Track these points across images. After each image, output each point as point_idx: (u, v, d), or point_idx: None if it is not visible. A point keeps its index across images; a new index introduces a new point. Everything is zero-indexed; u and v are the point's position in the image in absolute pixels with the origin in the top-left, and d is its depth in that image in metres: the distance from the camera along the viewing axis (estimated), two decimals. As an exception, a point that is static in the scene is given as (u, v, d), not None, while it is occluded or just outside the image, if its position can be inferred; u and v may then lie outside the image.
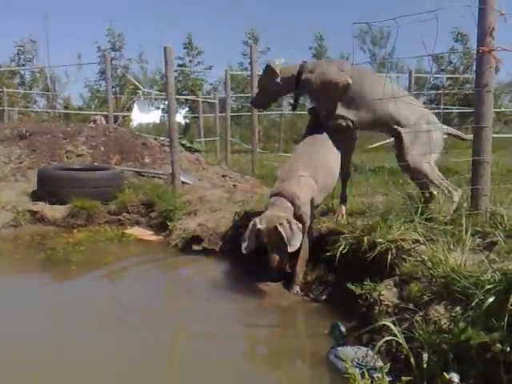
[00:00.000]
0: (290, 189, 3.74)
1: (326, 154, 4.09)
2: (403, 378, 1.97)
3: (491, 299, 1.98)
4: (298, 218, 3.70)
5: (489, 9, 3.10)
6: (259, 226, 3.58)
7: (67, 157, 7.95)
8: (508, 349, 1.84)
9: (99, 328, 3.12)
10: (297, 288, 3.75)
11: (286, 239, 3.50)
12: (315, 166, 3.92)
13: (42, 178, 6.48)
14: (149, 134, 13.59)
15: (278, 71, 4.14)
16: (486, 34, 3.14)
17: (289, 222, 3.55)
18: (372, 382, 2.00)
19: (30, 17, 41.51)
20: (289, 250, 3.56)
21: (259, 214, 4.74)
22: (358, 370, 2.34)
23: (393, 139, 4.06)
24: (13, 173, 7.41)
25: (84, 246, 5.21)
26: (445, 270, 2.51)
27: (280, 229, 3.51)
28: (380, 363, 2.40)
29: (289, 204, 3.70)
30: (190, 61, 25.46)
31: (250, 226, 3.67)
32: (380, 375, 2.04)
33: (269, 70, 4.20)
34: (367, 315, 2.90)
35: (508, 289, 1.95)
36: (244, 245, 3.65)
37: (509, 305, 1.90)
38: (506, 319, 1.87)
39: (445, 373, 1.93)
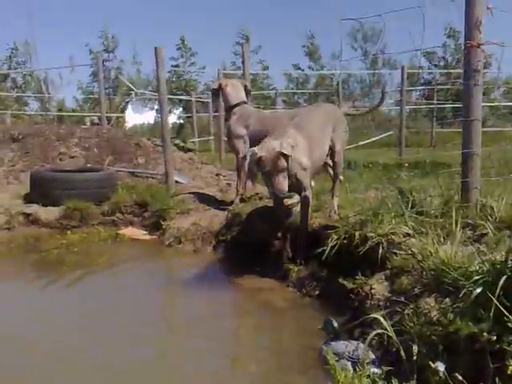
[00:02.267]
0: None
1: (319, 126, 4.15)
2: (383, 367, 1.97)
3: (479, 290, 1.99)
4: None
5: (476, 2, 3.10)
6: (260, 155, 3.49)
7: (60, 159, 7.91)
8: (494, 338, 1.84)
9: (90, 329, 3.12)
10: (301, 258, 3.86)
11: (290, 161, 3.50)
12: (308, 133, 3.95)
13: (34, 180, 6.44)
14: (143, 134, 13.56)
15: None
16: (474, 27, 3.15)
17: (289, 144, 3.52)
18: (355, 372, 2.01)
19: (16, 19, 41.10)
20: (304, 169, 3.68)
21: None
22: (350, 363, 2.35)
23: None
24: (5, 175, 7.37)
25: (78, 247, 5.19)
26: (435, 263, 2.52)
27: (285, 152, 3.46)
28: (372, 356, 2.41)
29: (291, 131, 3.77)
30: (185, 62, 25.46)
31: (248, 157, 3.55)
32: (368, 367, 2.04)
33: None
34: (359, 309, 2.91)
35: (496, 279, 1.95)
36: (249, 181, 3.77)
37: (496, 295, 1.90)
38: (493, 309, 1.87)
39: (430, 362, 1.93)
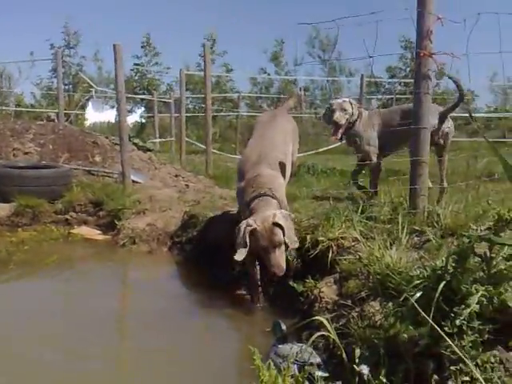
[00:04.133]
0: (268, 186, 3.49)
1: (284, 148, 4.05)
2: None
3: (419, 294, 2.04)
4: None
5: (426, 13, 3.19)
6: (254, 226, 3.20)
7: (14, 155, 7.69)
8: (431, 342, 1.89)
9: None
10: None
11: (286, 235, 3.19)
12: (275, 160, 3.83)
13: (-15, 175, 6.26)
14: (103, 132, 13.35)
15: None
16: (425, 37, 3.23)
17: (284, 216, 3.27)
18: (279, 372, 2.01)
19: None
20: (293, 247, 3.27)
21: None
22: (296, 366, 2.37)
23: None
24: (-44, 170, 7.13)
25: (28, 245, 5.08)
26: (380, 267, 2.56)
27: (281, 223, 3.18)
28: (317, 359, 2.43)
29: (274, 201, 3.43)
30: (150, 61, 25.26)
31: (242, 228, 3.25)
32: (311, 369, 2.07)
33: None
34: (308, 312, 2.93)
35: (435, 284, 2.00)
36: (238, 254, 3.21)
37: (436, 299, 1.95)
38: (431, 313, 1.91)
39: (355, 365, 1.97)
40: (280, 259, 3.17)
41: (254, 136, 4.22)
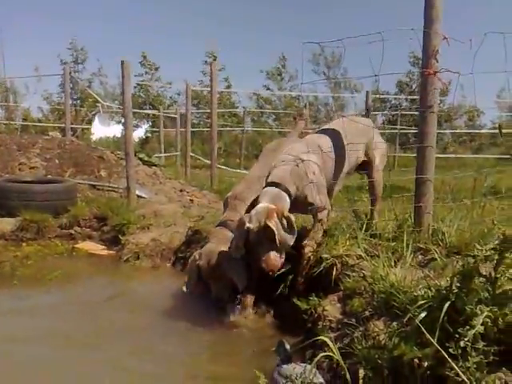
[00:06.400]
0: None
1: None
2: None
3: (423, 314, 2.02)
4: None
5: (433, 32, 3.20)
6: (198, 262, 3.53)
7: (20, 169, 7.75)
8: (436, 363, 1.87)
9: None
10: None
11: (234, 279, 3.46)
12: None
13: (-9, 190, 6.29)
14: (109, 147, 13.40)
15: None
16: (430, 56, 3.24)
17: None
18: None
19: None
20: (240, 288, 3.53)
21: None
22: (299, 386, 2.34)
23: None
24: (-38, 184, 7.16)
25: (32, 260, 5.09)
26: (385, 286, 2.54)
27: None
28: (320, 379, 2.40)
29: (229, 234, 3.60)
30: (150, 78, 25.43)
31: (190, 261, 3.64)
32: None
33: None
34: (312, 330, 2.91)
35: (440, 304, 1.98)
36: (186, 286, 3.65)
37: (440, 320, 1.93)
38: (436, 334, 1.90)
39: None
40: (222, 293, 3.53)
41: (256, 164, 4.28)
